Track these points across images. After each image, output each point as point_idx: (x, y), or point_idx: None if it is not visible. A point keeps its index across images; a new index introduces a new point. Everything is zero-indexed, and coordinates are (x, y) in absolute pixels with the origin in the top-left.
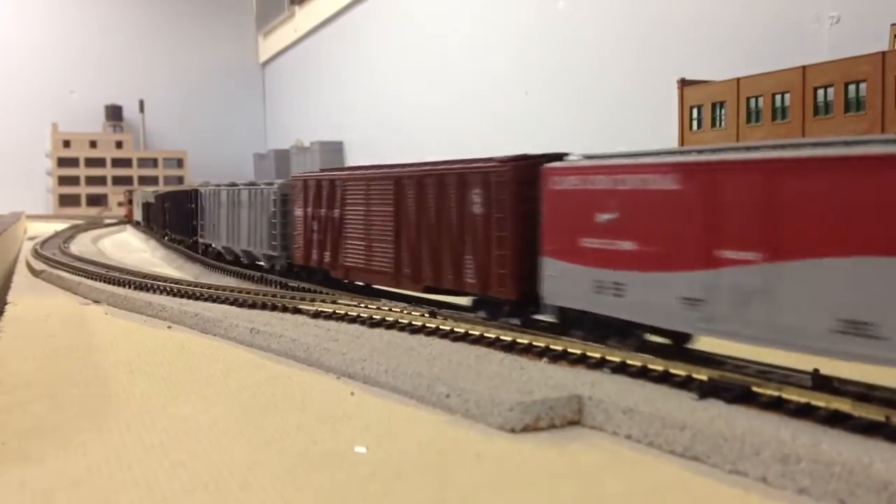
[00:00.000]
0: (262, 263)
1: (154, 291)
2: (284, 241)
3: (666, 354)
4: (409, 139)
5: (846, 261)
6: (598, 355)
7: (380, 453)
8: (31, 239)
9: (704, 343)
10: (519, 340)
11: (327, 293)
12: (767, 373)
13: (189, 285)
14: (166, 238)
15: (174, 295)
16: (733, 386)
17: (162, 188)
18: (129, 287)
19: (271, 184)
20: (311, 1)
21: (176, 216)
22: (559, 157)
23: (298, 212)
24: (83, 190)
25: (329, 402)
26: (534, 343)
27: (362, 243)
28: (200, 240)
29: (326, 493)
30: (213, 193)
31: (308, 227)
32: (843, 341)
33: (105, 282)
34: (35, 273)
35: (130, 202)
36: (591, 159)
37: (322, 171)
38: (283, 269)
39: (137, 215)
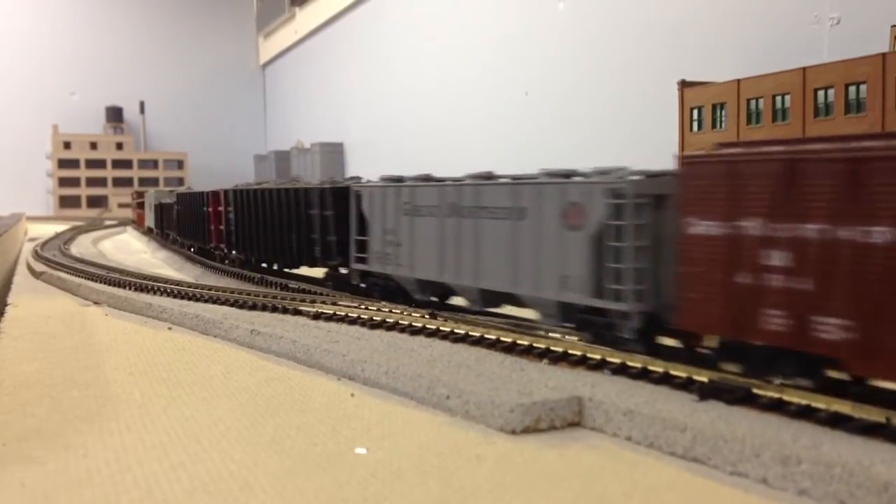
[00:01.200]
0: (530, 318)
1: (154, 293)
2: (640, 283)
3: None
4: (410, 140)
5: None
6: (598, 357)
7: (380, 455)
8: (31, 240)
9: None
10: (519, 342)
11: (328, 294)
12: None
13: (189, 287)
14: (193, 250)
15: (174, 296)
16: (734, 387)
17: (163, 188)
18: (130, 288)
19: (587, 176)
20: (311, 2)
21: (250, 227)
22: None
23: (701, 228)
24: (84, 191)
25: (329, 403)
26: (534, 344)
27: None
28: (358, 266)
29: (326, 495)
30: (394, 194)
31: (744, 260)
32: None
33: (105, 283)
34: (35, 274)
35: (141, 206)
36: None
37: (766, 143)
38: (634, 336)
39: (150, 220)
